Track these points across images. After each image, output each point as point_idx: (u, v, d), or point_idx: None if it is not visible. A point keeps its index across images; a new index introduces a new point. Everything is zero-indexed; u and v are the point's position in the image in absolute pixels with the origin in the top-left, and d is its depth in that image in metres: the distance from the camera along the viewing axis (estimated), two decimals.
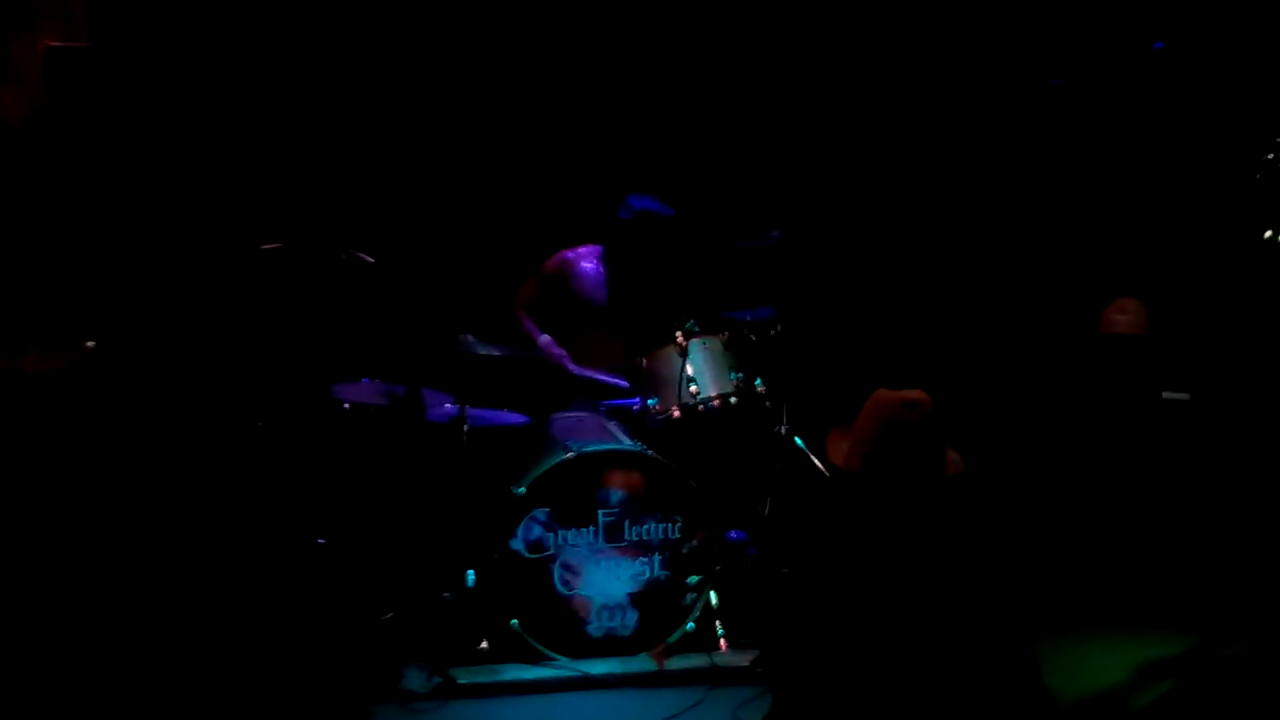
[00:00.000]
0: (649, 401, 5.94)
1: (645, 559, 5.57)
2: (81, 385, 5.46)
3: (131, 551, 5.39)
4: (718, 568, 5.61)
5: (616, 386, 6.23)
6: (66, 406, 5.41)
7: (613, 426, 5.92)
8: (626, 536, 5.56)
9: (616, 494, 5.56)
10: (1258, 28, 7.18)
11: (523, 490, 5.46)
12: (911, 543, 3.57)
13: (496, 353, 5.73)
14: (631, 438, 5.77)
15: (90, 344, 5.46)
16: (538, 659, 5.44)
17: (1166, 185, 7.29)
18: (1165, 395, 6.28)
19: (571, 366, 6.28)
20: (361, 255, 5.94)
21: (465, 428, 5.62)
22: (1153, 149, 7.36)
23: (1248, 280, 6.95)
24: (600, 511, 5.54)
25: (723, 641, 5.55)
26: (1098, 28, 7.39)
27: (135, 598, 5.30)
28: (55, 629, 5.11)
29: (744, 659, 5.44)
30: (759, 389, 5.95)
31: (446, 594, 5.55)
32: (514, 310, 6.40)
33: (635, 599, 5.57)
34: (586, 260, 6.38)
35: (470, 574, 5.53)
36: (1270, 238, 5.94)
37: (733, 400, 5.90)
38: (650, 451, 5.62)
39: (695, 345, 5.93)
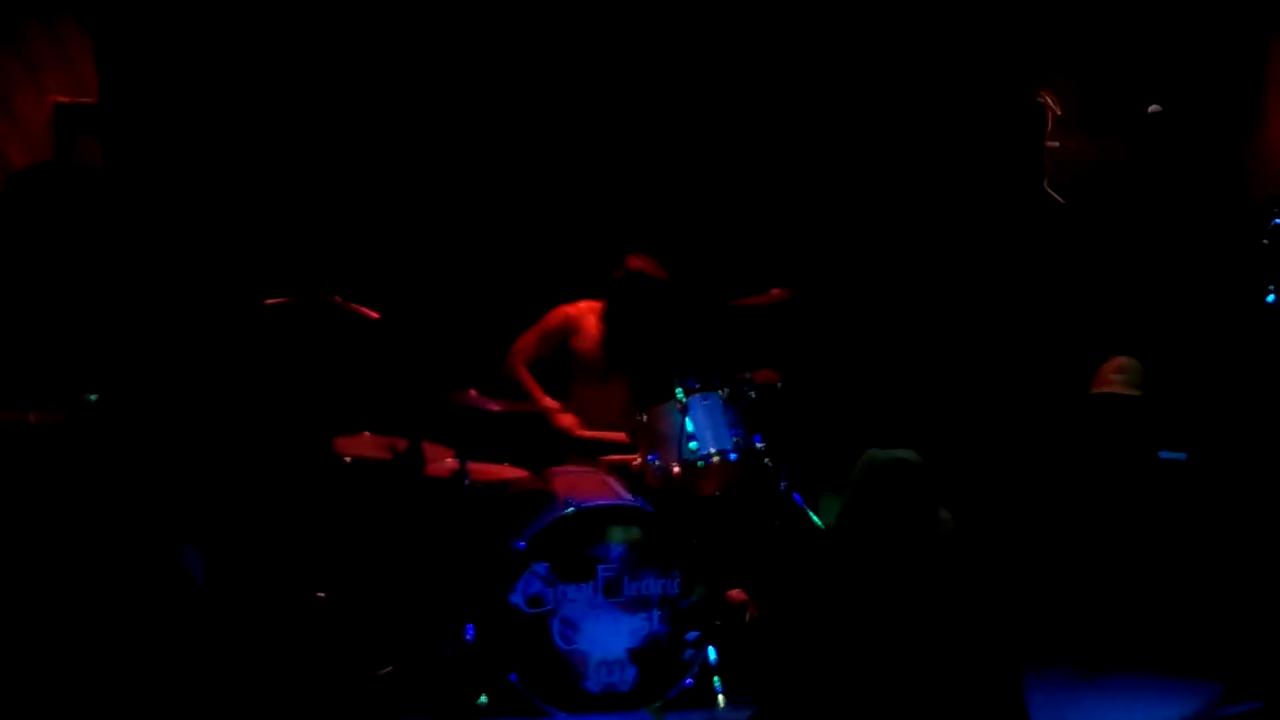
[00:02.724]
0: (649, 458, 5.95)
1: (644, 614, 5.58)
2: (83, 438, 5.48)
3: (132, 602, 5.40)
4: (717, 624, 5.62)
5: (618, 444, 6.28)
6: (68, 459, 5.42)
7: (612, 482, 5.94)
8: (626, 592, 5.57)
9: (616, 549, 5.57)
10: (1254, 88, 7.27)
11: (523, 545, 5.48)
12: (903, 602, 3.59)
13: (497, 407, 5.76)
14: (631, 493, 5.78)
15: (93, 397, 5.48)
16: (536, 714, 5.43)
17: (1164, 246, 7.34)
18: (1162, 455, 6.31)
19: (578, 431, 6.33)
20: (365, 310, 5.98)
21: (466, 482, 5.64)
22: (1151, 210, 7.42)
23: (1244, 340, 6.99)
24: (600, 566, 5.55)
25: (721, 698, 5.55)
26: (1097, 88, 7.48)
27: (135, 649, 5.30)
28: (57, 680, 5.11)
29: (742, 715, 5.43)
30: (759, 446, 5.97)
31: (446, 648, 5.55)
32: (513, 362, 6.42)
33: (634, 654, 5.57)
34: (586, 316, 6.44)
35: (470, 628, 5.53)
36: (1274, 302, 5.99)
37: (731, 457, 5.92)
38: (650, 507, 5.64)
39: (695, 401, 5.95)
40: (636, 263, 6.30)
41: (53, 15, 6.54)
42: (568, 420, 6.34)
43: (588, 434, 6.33)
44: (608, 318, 6.40)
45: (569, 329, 6.41)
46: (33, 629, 5.12)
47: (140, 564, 5.31)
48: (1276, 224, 5.83)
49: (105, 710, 5.06)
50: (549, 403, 6.35)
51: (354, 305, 5.96)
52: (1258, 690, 5.66)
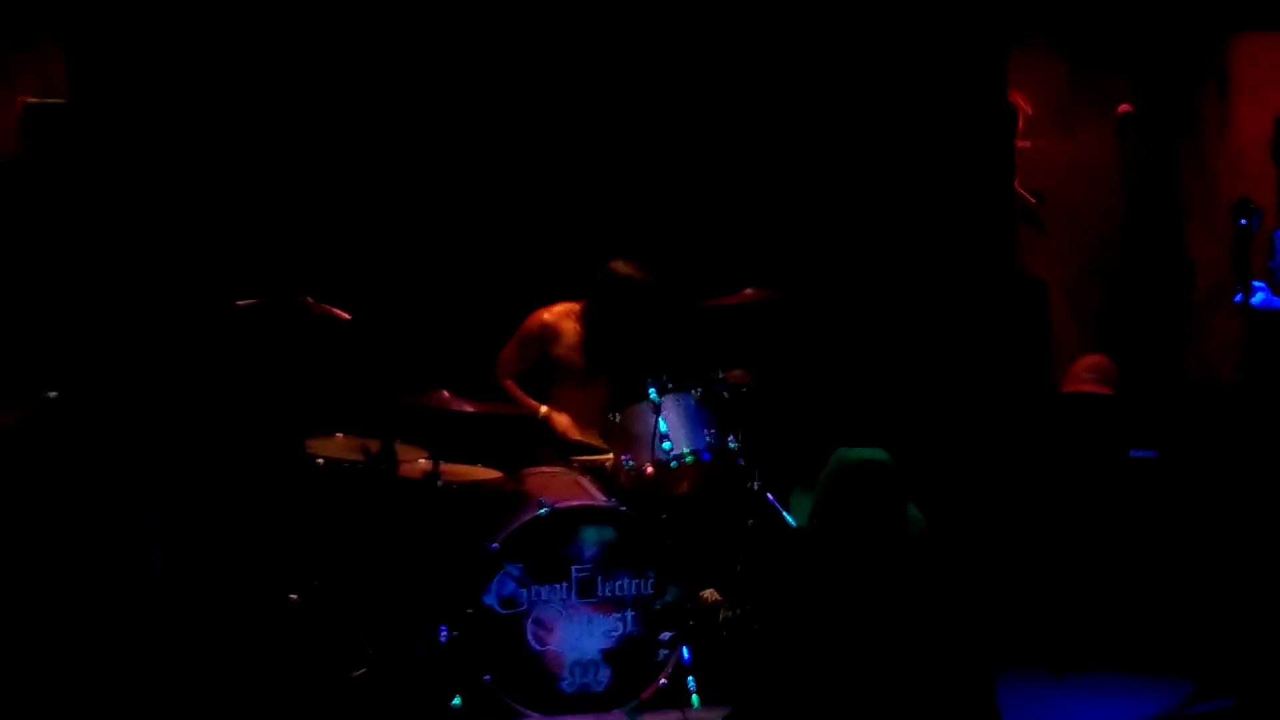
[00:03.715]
0: (623, 458, 5.96)
1: (618, 615, 5.58)
2: (43, 437, 5.43)
3: (100, 605, 5.38)
4: (691, 623, 5.62)
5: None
6: (28, 458, 5.37)
7: (586, 482, 5.94)
8: (600, 592, 5.57)
9: (589, 550, 5.57)
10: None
11: (496, 546, 5.47)
12: (875, 600, 3.60)
13: (470, 408, 5.76)
14: (605, 494, 5.78)
15: (53, 394, 5.43)
16: (510, 715, 5.43)
17: (1134, 245, 7.39)
18: (1133, 454, 6.35)
19: (573, 434, 6.32)
20: (336, 310, 5.97)
21: (439, 483, 5.63)
22: (1119, 208, 7.47)
23: (1215, 338, 7.04)
24: (573, 567, 5.55)
25: (695, 697, 5.56)
26: (1068, 89, 7.52)
27: (104, 652, 5.27)
28: (25, 684, 5.08)
29: (717, 715, 5.44)
30: (732, 446, 5.97)
31: (419, 650, 5.55)
32: (499, 376, 6.42)
33: (608, 655, 5.57)
34: (563, 320, 6.43)
35: (443, 630, 5.52)
36: (1241, 301, 6.02)
37: (705, 457, 5.92)
38: (623, 507, 5.64)
39: (668, 401, 5.95)
40: (622, 268, 6.28)
41: (22, 15, 6.51)
42: (563, 422, 6.33)
43: (580, 438, 6.33)
44: (588, 320, 6.40)
45: (546, 334, 6.40)
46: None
47: (106, 566, 5.29)
48: (1242, 224, 5.86)
49: (74, 713, 5.04)
50: (538, 408, 6.35)
51: (325, 306, 5.94)
52: (1229, 688, 5.70)
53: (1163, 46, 7.30)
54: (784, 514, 6.10)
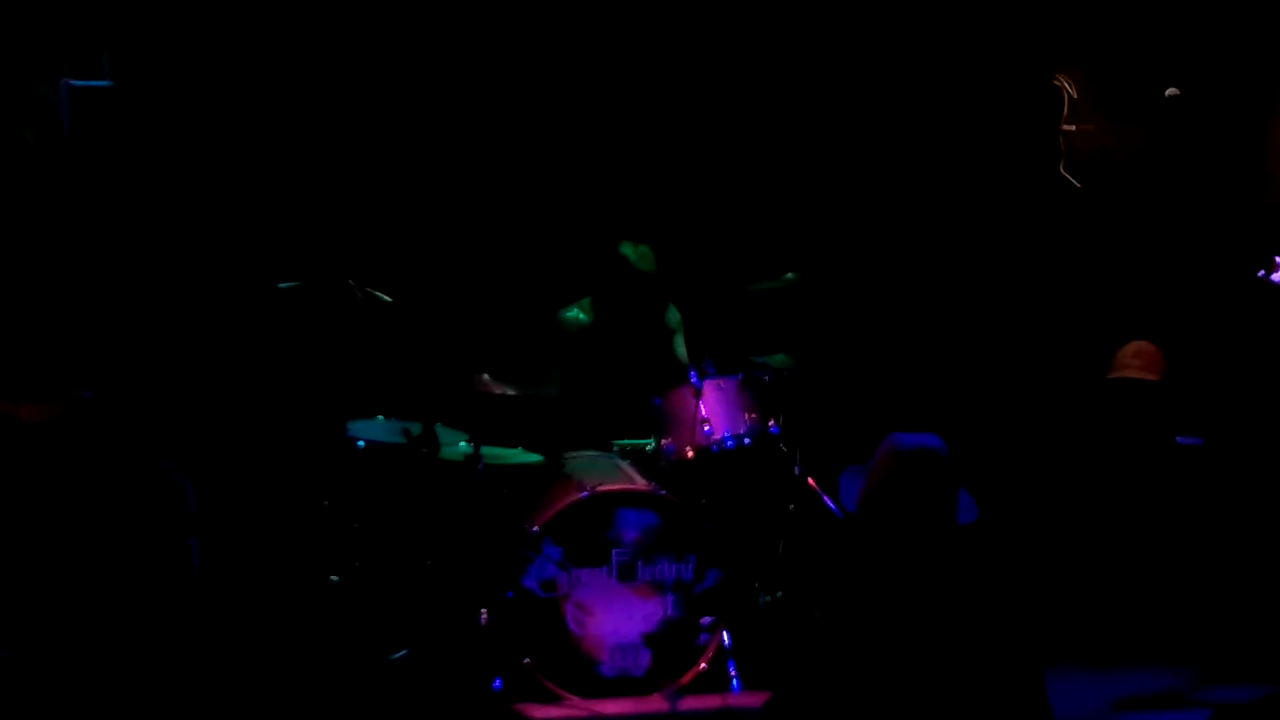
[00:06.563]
0: (663, 442, 5.95)
1: (659, 599, 5.57)
2: (81, 430, 5.41)
3: (140, 587, 5.39)
4: (731, 608, 5.61)
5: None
6: (67, 451, 5.35)
7: (626, 466, 5.93)
8: (640, 576, 5.56)
9: (630, 533, 5.57)
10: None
11: (536, 529, 5.47)
12: (922, 587, 3.57)
13: (511, 391, 5.75)
14: (645, 477, 5.77)
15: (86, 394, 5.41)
16: (550, 699, 5.43)
17: (1182, 230, 7.32)
18: (1179, 440, 6.30)
19: None
20: (378, 294, 5.98)
21: (480, 466, 5.63)
22: (1167, 191, 7.40)
23: (1262, 324, 6.96)
24: (614, 551, 5.54)
25: (736, 682, 5.55)
26: (1115, 72, 7.45)
27: (142, 631, 5.28)
28: (55, 681, 5.07)
29: (757, 700, 5.43)
30: (773, 431, 5.96)
31: (460, 632, 5.55)
32: None
33: (648, 639, 5.56)
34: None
35: (483, 612, 5.53)
36: (1263, 277, 5.98)
37: (746, 441, 5.91)
38: (664, 491, 5.63)
39: (710, 385, 5.94)
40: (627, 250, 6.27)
41: None
42: None
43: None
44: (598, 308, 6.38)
45: None
46: (38, 628, 5.08)
47: (148, 546, 5.29)
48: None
49: (115, 705, 5.05)
50: None
51: (368, 289, 5.95)
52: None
53: (1215, 29, 7.22)
54: (825, 499, 6.08)
